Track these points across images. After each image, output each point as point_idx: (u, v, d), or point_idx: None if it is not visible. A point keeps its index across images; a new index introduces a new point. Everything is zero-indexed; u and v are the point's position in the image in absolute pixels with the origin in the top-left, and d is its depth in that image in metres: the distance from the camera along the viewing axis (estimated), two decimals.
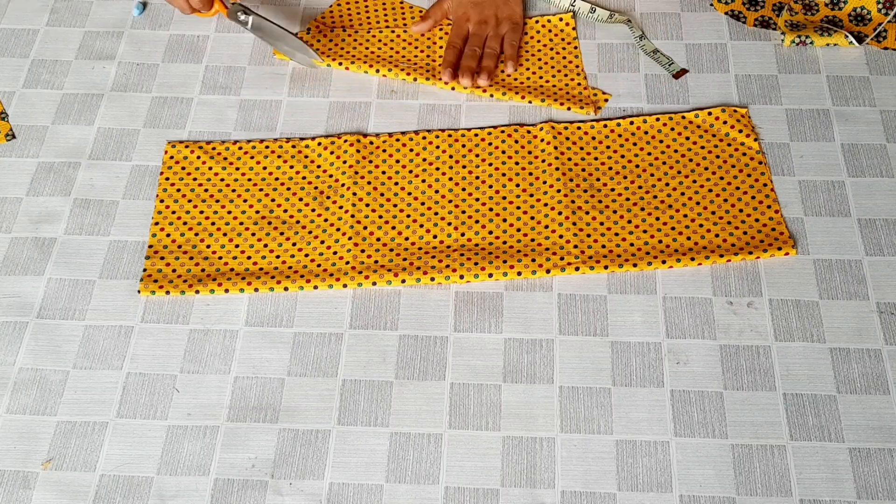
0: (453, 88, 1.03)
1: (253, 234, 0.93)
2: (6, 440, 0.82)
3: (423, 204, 0.95)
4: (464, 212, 0.94)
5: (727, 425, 0.81)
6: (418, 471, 0.79)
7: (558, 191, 0.95)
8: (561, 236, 0.91)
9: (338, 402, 0.83)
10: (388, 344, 0.86)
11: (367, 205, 0.95)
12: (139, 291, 0.90)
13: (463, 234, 0.92)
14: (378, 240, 0.92)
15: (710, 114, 1.00)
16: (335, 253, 0.91)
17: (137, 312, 0.89)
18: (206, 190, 0.97)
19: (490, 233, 0.92)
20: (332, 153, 0.99)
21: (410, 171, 0.97)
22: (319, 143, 1.00)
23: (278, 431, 0.82)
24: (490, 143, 0.99)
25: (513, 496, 0.78)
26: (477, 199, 0.95)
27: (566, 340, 0.86)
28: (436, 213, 0.94)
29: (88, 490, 0.79)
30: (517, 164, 0.98)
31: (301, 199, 0.96)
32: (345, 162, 0.98)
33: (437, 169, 0.97)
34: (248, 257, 0.92)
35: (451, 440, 0.81)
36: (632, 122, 1.00)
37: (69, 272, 0.92)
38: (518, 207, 0.94)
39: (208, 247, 0.93)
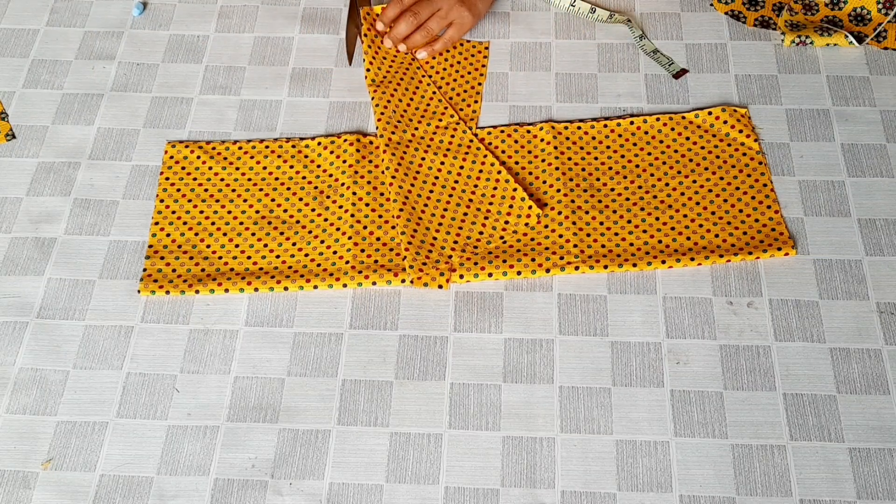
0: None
1: (253, 234, 0.93)
2: (6, 440, 0.82)
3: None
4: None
5: (727, 425, 0.81)
6: (418, 471, 0.79)
7: (558, 190, 0.95)
8: (561, 236, 0.91)
9: (338, 402, 0.83)
10: (388, 344, 0.86)
11: (367, 204, 0.95)
12: (139, 291, 0.90)
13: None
14: (378, 239, 0.92)
15: (710, 113, 1.00)
16: (335, 252, 0.91)
17: (137, 312, 0.89)
18: (206, 190, 0.97)
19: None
20: (331, 153, 0.99)
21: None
22: (319, 143, 1.00)
23: (278, 431, 0.82)
24: (490, 143, 0.99)
25: (513, 496, 0.78)
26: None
27: (566, 340, 0.86)
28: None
29: (88, 490, 0.79)
30: (517, 163, 0.97)
31: (301, 199, 0.96)
32: (344, 161, 0.98)
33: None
34: (248, 257, 0.92)
35: (451, 440, 0.81)
36: (632, 122, 1.00)
37: (69, 272, 0.92)
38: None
39: (208, 247, 0.93)
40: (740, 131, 0.98)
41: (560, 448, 0.80)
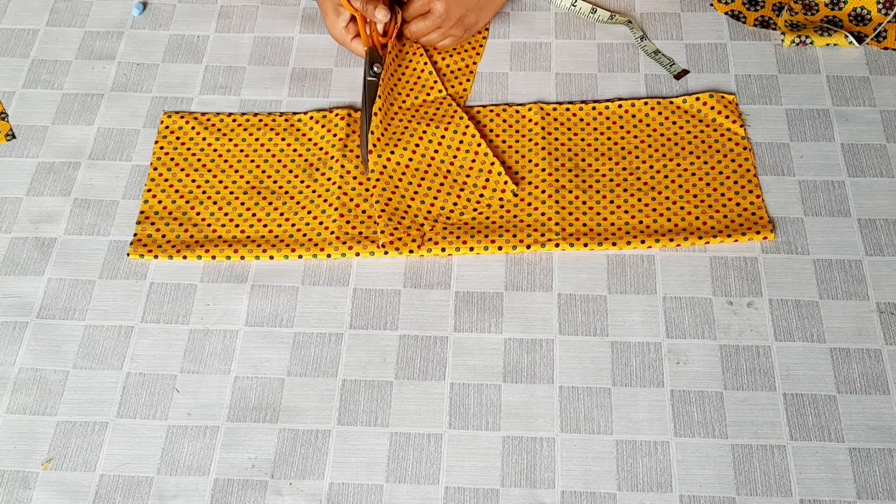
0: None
1: (242, 204, 0.95)
2: (6, 440, 0.82)
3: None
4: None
5: (727, 425, 0.81)
6: (418, 471, 0.79)
7: (543, 169, 0.96)
8: (543, 213, 0.92)
9: (338, 402, 0.83)
10: (388, 344, 0.86)
11: (355, 177, 0.96)
12: (128, 254, 0.91)
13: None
14: (363, 212, 0.93)
15: (697, 99, 1.01)
16: (321, 223, 0.93)
17: (137, 312, 0.89)
18: (199, 159, 0.99)
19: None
20: (322, 126, 1.01)
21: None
22: (311, 117, 1.01)
23: (278, 431, 0.82)
24: (478, 122, 1.00)
25: (513, 496, 0.78)
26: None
27: (566, 340, 0.86)
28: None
29: (88, 490, 0.79)
30: (504, 142, 0.98)
31: (291, 171, 0.98)
32: (335, 135, 0.99)
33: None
34: (237, 225, 0.93)
35: (451, 440, 0.81)
36: (620, 105, 1.01)
37: (69, 272, 0.92)
38: None
39: (198, 214, 0.94)
40: (727, 117, 0.99)
41: (560, 448, 0.80)
